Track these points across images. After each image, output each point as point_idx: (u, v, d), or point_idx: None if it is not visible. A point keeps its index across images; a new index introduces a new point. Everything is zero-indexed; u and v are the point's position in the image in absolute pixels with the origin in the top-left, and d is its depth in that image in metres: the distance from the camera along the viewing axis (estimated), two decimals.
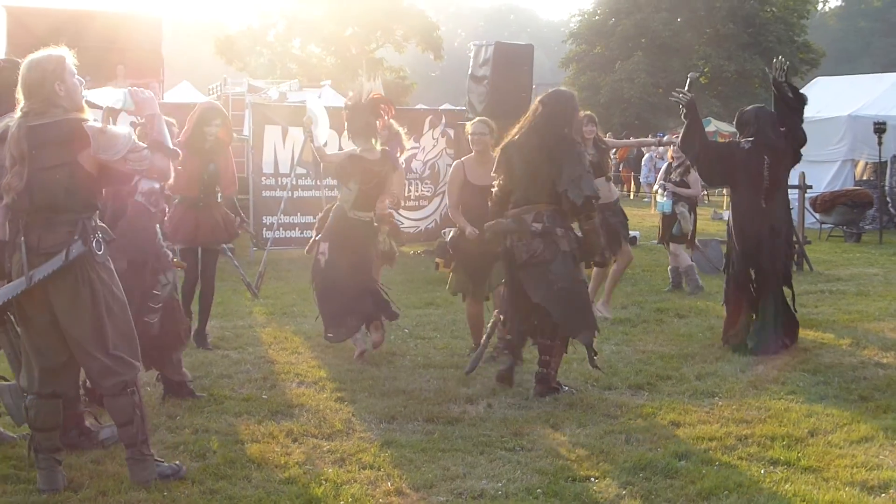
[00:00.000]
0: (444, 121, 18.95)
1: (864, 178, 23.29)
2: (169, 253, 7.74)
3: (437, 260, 14.98)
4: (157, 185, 7.42)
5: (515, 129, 8.17)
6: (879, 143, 20.71)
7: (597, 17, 59.67)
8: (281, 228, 16.24)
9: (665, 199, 13.47)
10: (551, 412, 7.51)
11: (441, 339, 10.33)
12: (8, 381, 6.47)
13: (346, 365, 9.05)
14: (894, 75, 26.34)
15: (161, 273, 7.55)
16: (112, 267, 5.78)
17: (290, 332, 10.57)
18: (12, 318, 6.03)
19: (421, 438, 6.87)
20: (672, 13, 55.80)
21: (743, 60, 54.31)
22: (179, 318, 7.77)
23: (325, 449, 6.65)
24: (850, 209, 20.51)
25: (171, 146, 5.78)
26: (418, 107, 29.73)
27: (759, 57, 54.67)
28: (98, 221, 5.74)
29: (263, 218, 16.74)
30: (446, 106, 27.15)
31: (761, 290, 9.82)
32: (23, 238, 5.51)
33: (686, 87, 10.21)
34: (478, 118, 9.90)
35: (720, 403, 7.80)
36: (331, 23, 53.57)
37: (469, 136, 9.51)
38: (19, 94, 5.57)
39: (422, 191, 18.58)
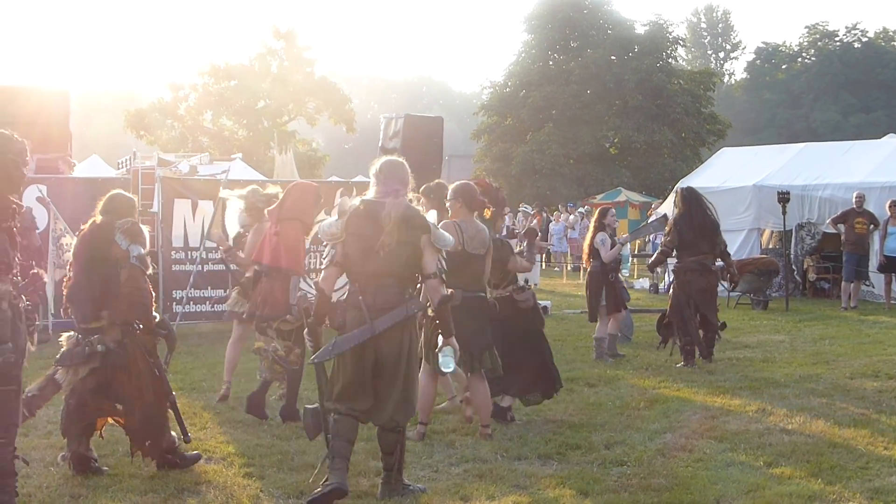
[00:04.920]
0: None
1: (771, 246, 23.67)
2: None
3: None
4: None
5: (678, 212, 13.33)
6: (784, 213, 21.10)
7: (507, 89, 60.16)
8: (191, 303, 16.14)
9: None
10: (461, 484, 7.51)
11: None
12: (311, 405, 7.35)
13: (255, 440, 8.95)
14: (797, 146, 26.89)
15: None
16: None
17: (200, 408, 10.41)
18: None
19: None
20: (581, 85, 56.51)
21: (652, 131, 55.07)
22: None
23: None
24: (756, 277, 20.80)
25: None
26: (331, 179, 29.77)
27: (668, 128, 55.69)
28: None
29: (173, 292, 16.54)
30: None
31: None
32: (361, 297, 6.87)
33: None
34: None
35: (628, 472, 7.86)
36: (242, 95, 53.59)
37: None
38: (381, 178, 7.02)
39: None
